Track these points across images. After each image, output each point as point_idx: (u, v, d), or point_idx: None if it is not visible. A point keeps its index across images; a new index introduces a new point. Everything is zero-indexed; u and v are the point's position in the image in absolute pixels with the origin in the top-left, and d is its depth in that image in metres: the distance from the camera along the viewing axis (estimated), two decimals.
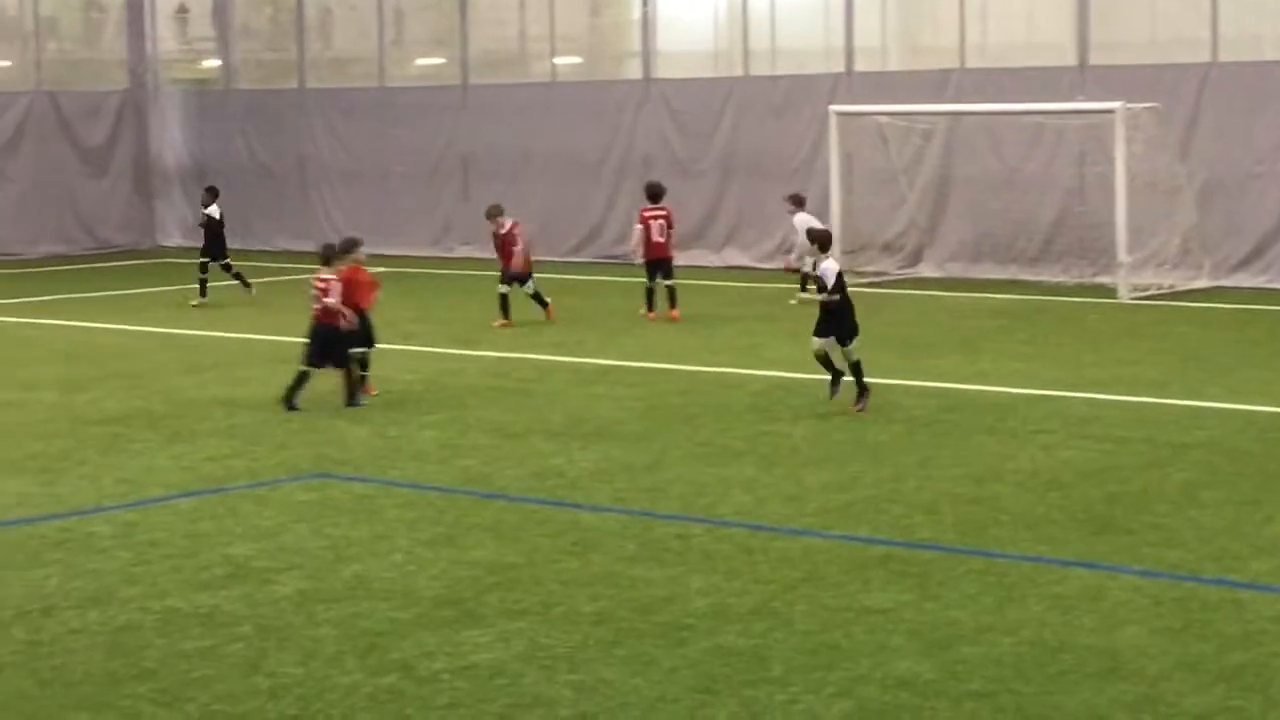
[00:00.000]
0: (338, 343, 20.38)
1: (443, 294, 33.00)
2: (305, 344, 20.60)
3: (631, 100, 38.90)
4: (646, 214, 28.98)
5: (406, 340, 25.69)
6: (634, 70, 39.86)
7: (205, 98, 45.86)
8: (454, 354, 24.47)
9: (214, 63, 46.39)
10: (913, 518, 14.59)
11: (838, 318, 19.25)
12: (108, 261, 41.76)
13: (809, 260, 28.28)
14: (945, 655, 10.82)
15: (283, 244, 42.37)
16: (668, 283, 28.53)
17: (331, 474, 16.66)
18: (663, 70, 38.84)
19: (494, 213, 28.11)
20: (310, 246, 41.47)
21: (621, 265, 35.86)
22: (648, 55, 39.02)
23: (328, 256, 20.92)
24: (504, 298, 27.76)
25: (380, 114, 42.03)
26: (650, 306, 28.52)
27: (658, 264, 28.60)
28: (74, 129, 43.97)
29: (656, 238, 28.77)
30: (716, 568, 13.03)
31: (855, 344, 19.34)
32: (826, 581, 12.59)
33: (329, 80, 43.77)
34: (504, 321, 27.58)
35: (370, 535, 14.17)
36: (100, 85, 44.93)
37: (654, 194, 29.49)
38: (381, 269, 37.92)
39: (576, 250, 38.25)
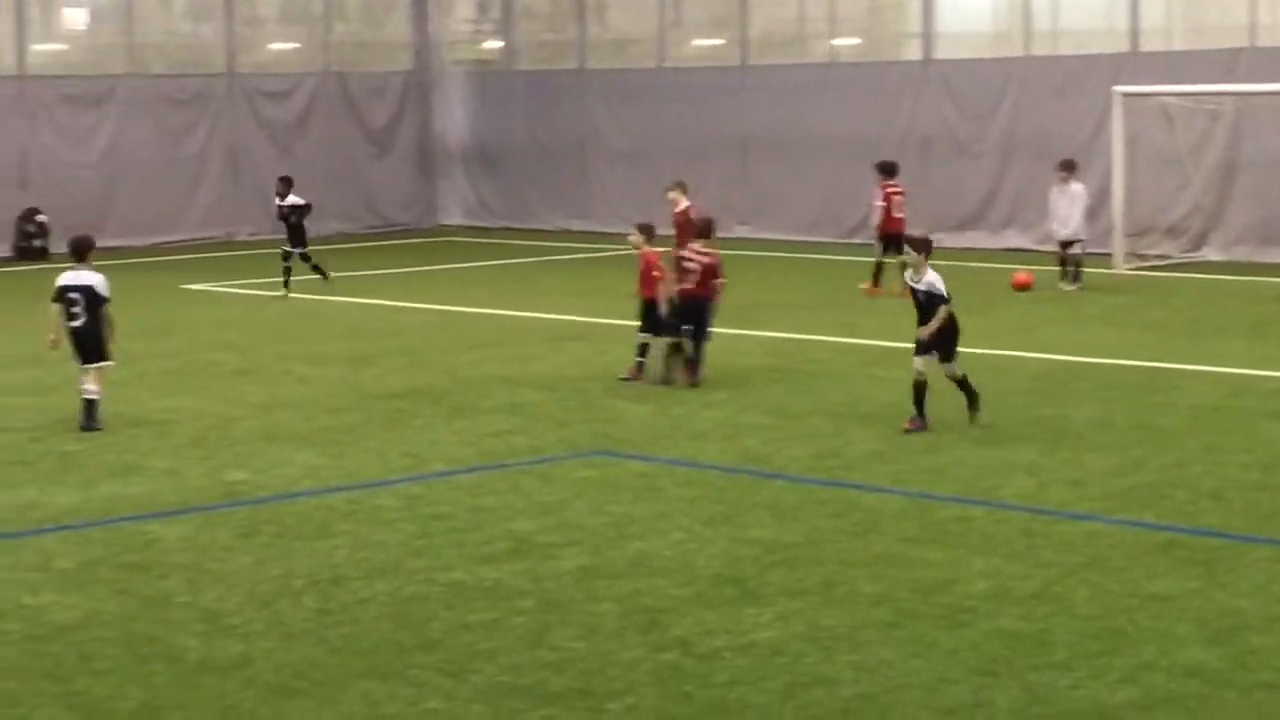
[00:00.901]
0: (704, 315, 20.35)
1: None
2: (660, 316, 20.59)
3: (910, 81, 38.64)
4: (889, 189, 29.39)
5: None
6: (913, 51, 39.60)
7: (487, 79, 46.45)
8: (735, 334, 24.48)
9: (496, 44, 46.99)
10: (1198, 504, 14.35)
11: (950, 332, 17.66)
12: (391, 240, 42.53)
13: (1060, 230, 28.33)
14: (1233, 644, 10.63)
15: (560, 224, 42.80)
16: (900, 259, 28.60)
17: (612, 452, 16.81)
18: (942, 51, 38.53)
19: (673, 187, 27.79)
20: (588, 226, 42.02)
21: None
22: (928, 36, 38.73)
23: (704, 230, 20.97)
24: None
25: (659, 95, 42.23)
26: (876, 282, 28.76)
27: (894, 239, 28.59)
28: (360, 109, 44.83)
29: (896, 213, 29.48)
30: (997, 550, 12.94)
31: (956, 360, 17.80)
32: (1109, 567, 12.43)
33: (608, 61, 44.09)
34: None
35: (651, 513, 14.29)
36: (385, 66, 45.74)
37: (892, 170, 30.26)
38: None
39: (854, 232, 38.05)
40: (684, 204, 26.34)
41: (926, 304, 17.55)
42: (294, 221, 31.52)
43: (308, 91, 44.00)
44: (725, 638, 10.91)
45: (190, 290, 32.11)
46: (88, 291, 18.36)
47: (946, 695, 9.84)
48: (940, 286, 17.53)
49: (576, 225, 42.51)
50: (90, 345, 18.26)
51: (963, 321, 17.77)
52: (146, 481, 15.70)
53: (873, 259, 29.63)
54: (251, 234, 42.54)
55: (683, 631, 11.04)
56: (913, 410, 17.55)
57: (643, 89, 42.64)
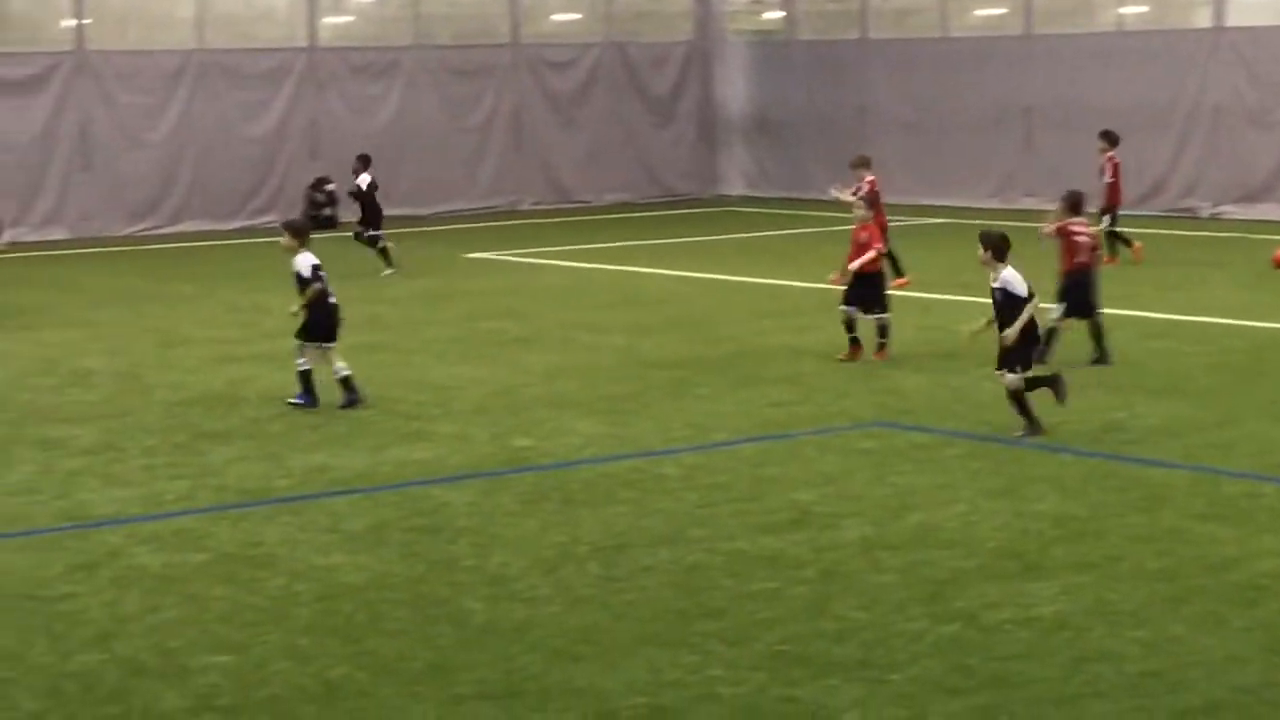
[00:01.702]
0: (1090, 291, 19.95)
1: None
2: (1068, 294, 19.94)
3: (1201, 49, 37.83)
4: (1114, 159, 29.52)
5: (966, 291, 25.55)
6: (1203, 19, 38.72)
7: (768, 48, 46.41)
8: None
9: (777, 14, 46.91)
10: None
11: (1028, 336, 16.03)
12: (671, 209, 42.72)
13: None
14: None
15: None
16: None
17: (893, 423, 16.73)
18: (1235, 18, 37.64)
19: (859, 164, 27.47)
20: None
21: (1179, 219, 35.20)
22: (1219, 3, 37.85)
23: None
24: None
25: (941, 64, 41.86)
26: (1113, 253, 28.61)
27: (1116, 209, 28.98)
28: (641, 79, 45.09)
29: (1115, 182, 29.52)
30: None
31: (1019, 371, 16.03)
32: None
33: (890, 31, 43.78)
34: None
35: (932, 484, 14.20)
36: (667, 36, 45.92)
37: (1117, 140, 30.14)
38: (940, 220, 37.94)
39: (1141, 203, 37.38)
40: (869, 179, 26.36)
41: (1004, 305, 15.89)
42: (368, 200, 31.40)
43: (590, 61, 44.35)
44: (1009, 611, 10.81)
45: (473, 259, 32.57)
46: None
47: (1237, 673, 9.66)
48: (1018, 286, 15.85)
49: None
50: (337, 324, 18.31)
51: (1241, 295, 17.32)
52: (434, 447, 15.98)
53: (1111, 229, 29.20)
54: (534, 203, 43.07)
55: (966, 604, 10.97)
56: (1021, 421, 15.96)
57: (924, 58, 42.29)
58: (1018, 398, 15.94)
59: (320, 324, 18.12)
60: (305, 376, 17.95)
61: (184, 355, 21.49)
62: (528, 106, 43.54)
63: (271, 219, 40.40)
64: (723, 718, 9.16)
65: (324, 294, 18.17)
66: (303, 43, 41.32)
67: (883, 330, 20.22)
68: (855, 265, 20.29)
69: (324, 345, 18.08)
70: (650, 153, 44.94)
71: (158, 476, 14.91)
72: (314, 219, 40.15)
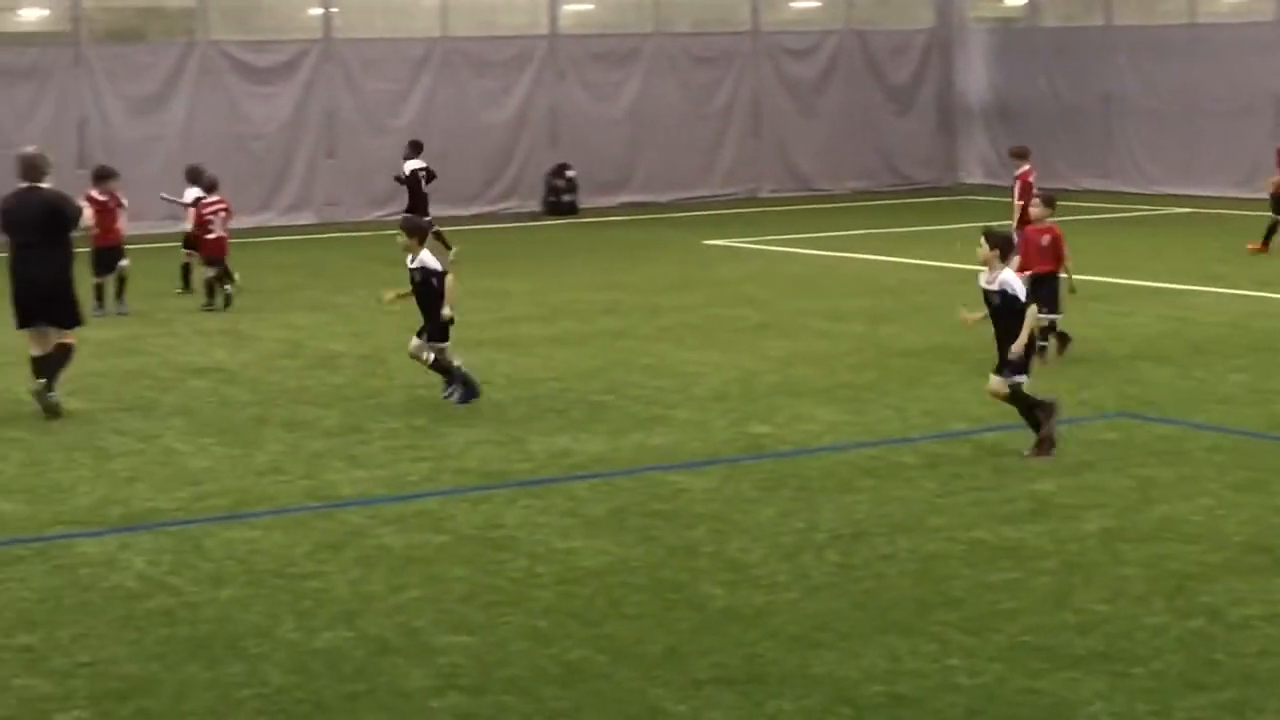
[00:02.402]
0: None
1: (1248, 235, 32.01)
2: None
3: None
4: None
5: (1214, 282, 25.15)
6: None
7: (1009, 35, 45.94)
8: (1262, 296, 23.76)
9: (1019, 1, 46.39)
10: None
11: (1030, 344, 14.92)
12: (910, 198, 42.48)
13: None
14: None
15: (1085, 184, 42.03)
16: None
17: (1136, 414, 16.49)
18: None
19: (1017, 154, 26.97)
20: (1112, 186, 41.21)
21: None
22: None
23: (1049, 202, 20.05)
24: None
25: (1190, 52, 41.12)
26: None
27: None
28: (880, 67, 44.88)
29: None
30: None
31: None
32: None
33: (1136, 17, 43.10)
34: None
35: (1176, 477, 13.97)
36: (907, 24, 45.64)
37: None
38: (1186, 210, 37.29)
39: None
40: (1024, 168, 26.19)
41: (1003, 308, 14.81)
42: (420, 188, 31.13)
43: (830, 49, 44.24)
44: (1257, 607, 10.61)
45: (711, 246, 32.64)
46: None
47: None
48: (1018, 288, 14.81)
49: (1100, 185, 41.73)
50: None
51: None
52: (672, 432, 16.04)
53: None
54: (773, 191, 43.06)
55: (1211, 599, 10.78)
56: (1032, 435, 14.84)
57: (1173, 46, 41.57)
58: (1023, 405, 14.83)
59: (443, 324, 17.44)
60: (448, 368, 17.46)
61: None
62: (767, 94, 43.55)
63: (512, 205, 40.87)
64: (962, 708, 9.10)
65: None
66: (544, 30, 41.68)
67: (1050, 333, 19.38)
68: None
69: (438, 345, 17.42)
70: (889, 141, 44.73)
71: (400, 458, 15.14)
72: (553, 205, 40.55)
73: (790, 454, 15.11)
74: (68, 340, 17.61)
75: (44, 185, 17.58)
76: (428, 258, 17.56)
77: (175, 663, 9.92)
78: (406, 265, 17.75)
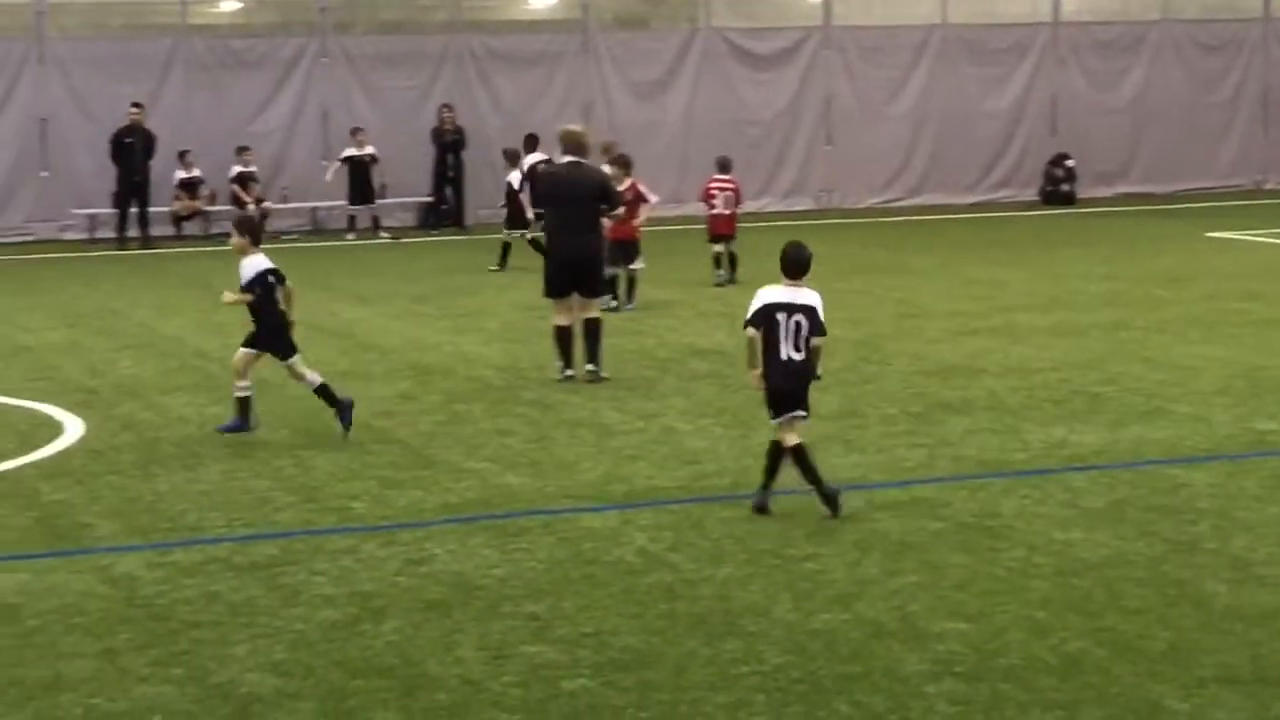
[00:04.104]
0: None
1: None
2: None
3: None
4: None
5: None
6: None
7: None
8: None
9: None
10: None
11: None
12: None
13: None
14: None
15: None
16: None
17: None
18: None
19: None
20: None
21: None
22: None
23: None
24: None
25: None
26: None
27: None
28: None
29: None
30: None
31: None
32: None
33: None
34: None
35: None
36: None
37: None
38: None
39: None
40: None
41: (811, 329, 12.85)
42: (511, 197, 29.80)
43: None
44: None
45: (1215, 238, 31.81)
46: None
47: None
48: (821, 311, 12.92)
49: None
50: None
51: None
52: (1173, 426, 15.69)
53: None
54: None
55: None
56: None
57: None
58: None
59: (264, 335, 15.93)
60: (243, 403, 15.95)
61: (922, 326, 21.76)
62: (1278, 82, 42.20)
63: (1009, 193, 40.50)
64: None
65: (263, 303, 15.83)
66: (1046, 17, 41.15)
67: None
68: None
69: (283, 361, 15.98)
70: None
71: (897, 444, 15.16)
72: (1051, 195, 40.03)
73: None
74: (595, 314, 18.21)
75: (587, 162, 18.30)
76: (261, 260, 15.88)
77: (675, 637, 10.12)
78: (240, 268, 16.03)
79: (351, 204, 35.73)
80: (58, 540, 12.51)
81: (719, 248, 26.51)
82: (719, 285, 25.89)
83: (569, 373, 18.19)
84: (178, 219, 35.86)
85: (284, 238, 35.07)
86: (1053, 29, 41.06)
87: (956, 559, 11.61)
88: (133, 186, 34.37)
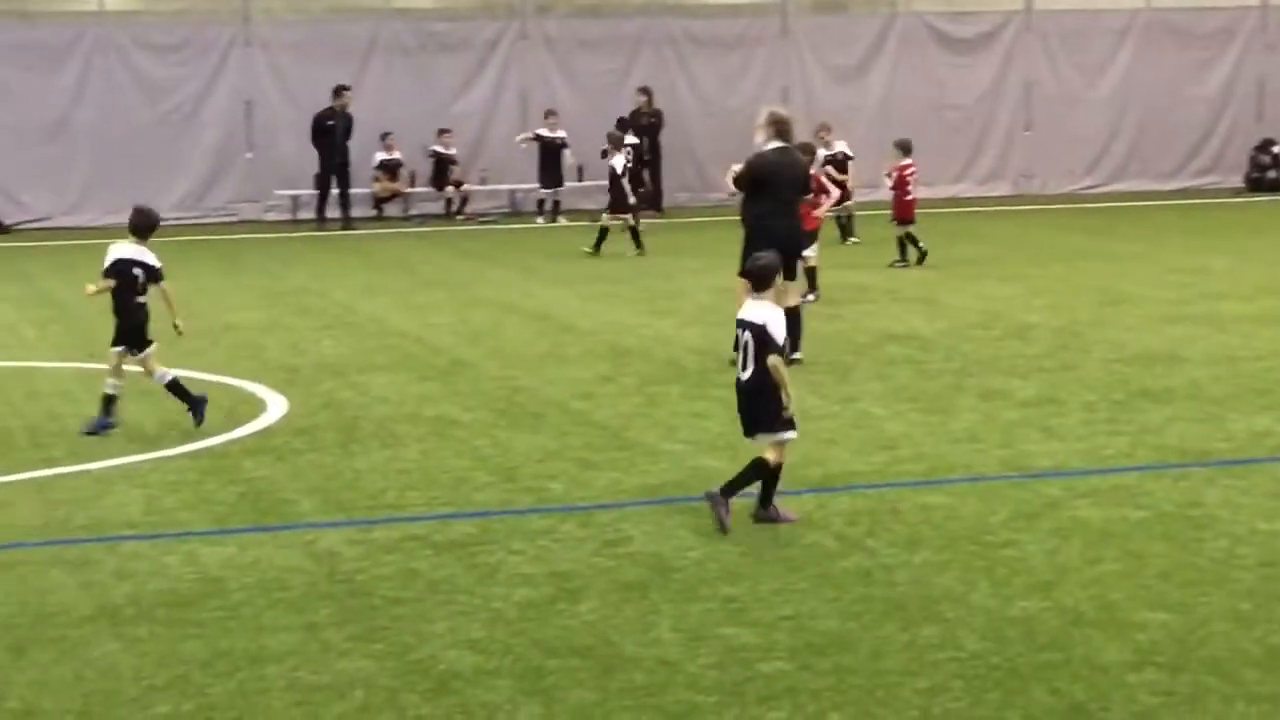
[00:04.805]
0: None
1: None
2: None
3: None
4: None
5: None
6: None
7: None
8: None
9: None
10: None
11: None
12: None
13: None
14: None
15: None
16: None
17: None
18: None
19: None
20: None
21: None
22: None
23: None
24: None
25: None
26: None
27: None
28: None
29: None
30: None
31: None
32: None
33: None
34: None
35: None
36: None
37: None
38: None
39: None
40: None
41: (757, 348, 12.04)
42: (613, 181, 29.56)
43: None
44: None
45: None
46: None
47: None
48: (777, 330, 12.03)
49: None
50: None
51: None
52: None
53: None
54: None
55: None
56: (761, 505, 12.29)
57: None
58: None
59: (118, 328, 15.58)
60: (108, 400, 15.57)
61: (1124, 313, 21.49)
62: None
63: (1213, 180, 39.89)
64: None
65: (122, 294, 15.46)
66: (1254, 1, 40.43)
67: None
68: None
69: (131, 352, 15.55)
70: None
71: (1097, 432, 14.98)
72: (1257, 182, 39.37)
73: None
74: (795, 302, 18.19)
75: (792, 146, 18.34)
76: (119, 248, 15.51)
77: (871, 622, 10.08)
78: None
79: (543, 187, 35.96)
80: (261, 516, 12.71)
81: (909, 230, 26.53)
82: (904, 266, 26.06)
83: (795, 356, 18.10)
84: (378, 201, 36.30)
85: (483, 220, 35.39)
86: (1261, 12, 40.34)
87: (1158, 548, 11.45)
88: (333, 168, 34.85)
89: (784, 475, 12.36)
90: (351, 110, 35.00)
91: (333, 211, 34.96)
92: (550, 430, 15.34)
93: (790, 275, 18.37)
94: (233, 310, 23.07)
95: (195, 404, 15.60)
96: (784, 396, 11.95)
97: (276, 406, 16.59)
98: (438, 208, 36.69)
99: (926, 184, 38.25)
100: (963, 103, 39.24)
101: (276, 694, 9.11)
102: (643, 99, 36.80)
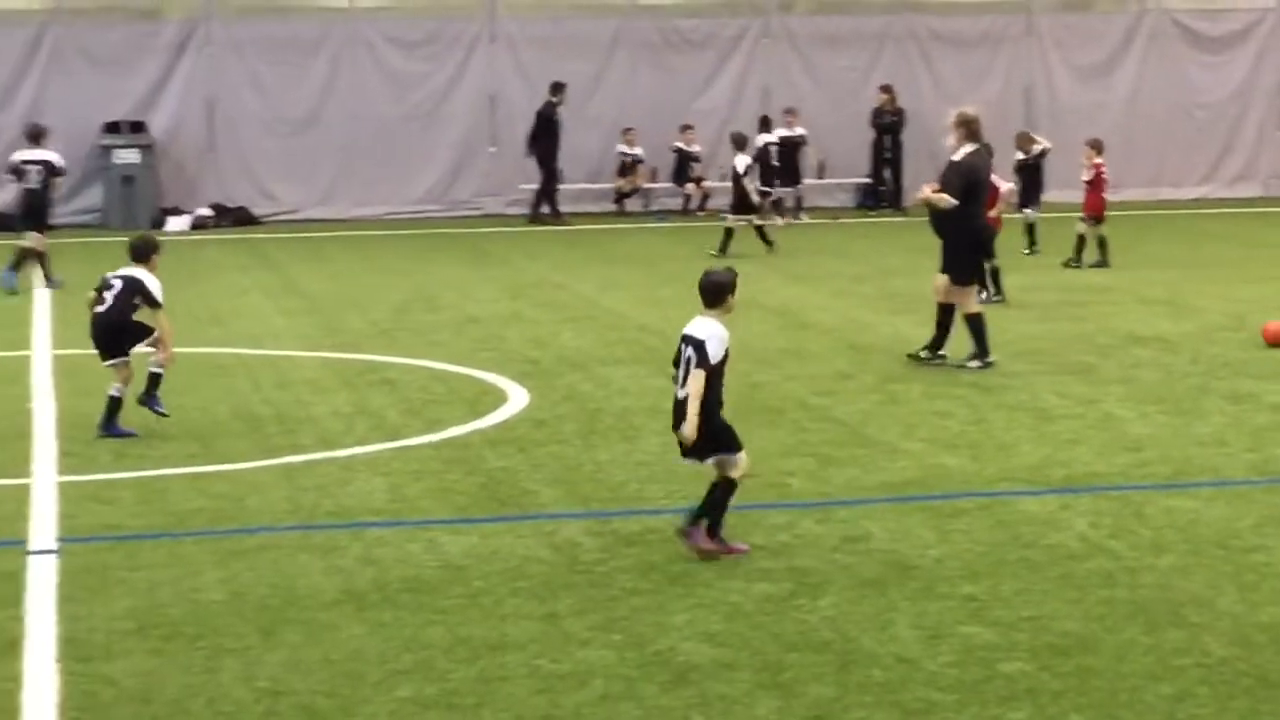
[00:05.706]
0: None
1: None
2: None
3: None
4: None
5: None
6: None
7: None
8: None
9: None
10: None
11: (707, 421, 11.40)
12: None
13: None
14: None
15: None
16: None
17: None
18: None
19: None
20: None
21: None
22: None
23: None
24: None
25: None
26: None
27: None
28: None
29: None
30: None
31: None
32: None
33: None
34: None
35: None
36: None
37: None
38: None
39: None
40: None
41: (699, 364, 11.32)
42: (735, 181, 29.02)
43: None
44: None
45: None
46: None
47: None
48: (716, 345, 11.30)
49: None
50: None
51: None
52: None
53: None
54: None
55: None
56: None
57: None
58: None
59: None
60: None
61: None
62: None
63: None
64: None
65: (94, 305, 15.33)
66: None
67: None
68: None
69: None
70: None
71: None
72: None
73: None
74: (977, 309, 18.05)
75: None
76: (145, 273, 15.32)
77: (1114, 625, 9.95)
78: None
79: (782, 185, 35.85)
80: (502, 506, 12.85)
81: (1101, 233, 26.16)
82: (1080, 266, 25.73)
83: (990, 360, 17.93)
84: (620, 195, 36.50)
85: (723, 216, 35.40)
86: None
87: None
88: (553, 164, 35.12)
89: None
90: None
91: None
92: (789, 426, 15.33)
93: (977, 280, 18.46)
94: (476, 303, 23.33)
95: (114, 429, 15.07)
96: (699, 413, 11.20)
97: (518, 398, 16.75)
98: (676, 203, 36.77)
99: (1173, 185, 37.86)
100: (1213, 102, 38.52)
101: (517, 681, 9.22)
102: (885, 97, 36.60)
